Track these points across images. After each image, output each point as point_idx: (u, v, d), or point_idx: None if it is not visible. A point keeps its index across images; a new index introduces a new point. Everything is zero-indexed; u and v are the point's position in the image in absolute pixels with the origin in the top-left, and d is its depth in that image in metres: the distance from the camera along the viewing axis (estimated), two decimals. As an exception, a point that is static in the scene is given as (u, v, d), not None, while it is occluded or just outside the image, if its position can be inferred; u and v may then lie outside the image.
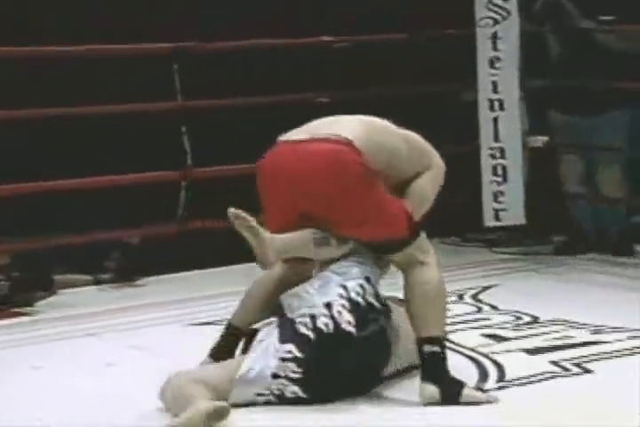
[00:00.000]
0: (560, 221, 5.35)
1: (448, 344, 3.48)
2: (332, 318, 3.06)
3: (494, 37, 5.28)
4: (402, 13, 5.51)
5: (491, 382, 3.40)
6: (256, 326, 3.31)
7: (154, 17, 5.16)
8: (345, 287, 3.13)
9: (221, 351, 3.46)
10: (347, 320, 3.06)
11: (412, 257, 3.21)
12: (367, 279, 3.17)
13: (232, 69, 5.29)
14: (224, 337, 3.49)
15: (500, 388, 3.35)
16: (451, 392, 3.15)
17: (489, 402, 3.18)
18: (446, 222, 5.59)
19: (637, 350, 3.71)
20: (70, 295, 4.80)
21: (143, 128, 5.05)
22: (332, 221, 3.13)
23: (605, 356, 3.67)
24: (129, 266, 5.01)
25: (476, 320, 4.14)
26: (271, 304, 3.27)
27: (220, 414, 2.86)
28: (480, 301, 4.47)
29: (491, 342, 3.84)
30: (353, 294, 3.11)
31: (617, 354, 3.68)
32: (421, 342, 3.15)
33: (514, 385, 3.38)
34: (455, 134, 5.41)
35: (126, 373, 3.64)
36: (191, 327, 4.21)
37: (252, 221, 3.06)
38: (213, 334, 4.03)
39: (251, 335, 3.27)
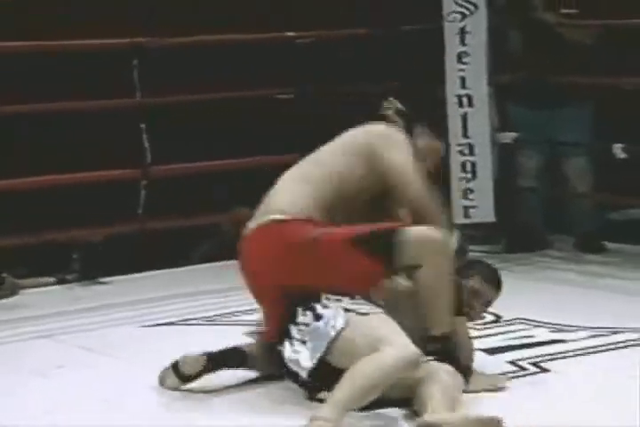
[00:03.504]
0: (512, 217, 5.30)
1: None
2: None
3: (462, 32, 5.21)
4: (364, 9, 5.44)
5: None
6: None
7: (112, 11, 5.07)
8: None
9: None
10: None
11: None
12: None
13: (192, 65, 5.21)
14: None
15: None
16: None
17: None
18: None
19: (596, 349, 3.65)
20: (31, 296, 4.72)
21: (102, 125, 4.98)
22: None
23: (564, 355, 3.60)
24: (93, 265, 4.92)
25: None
26: None
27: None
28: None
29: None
30: None
31: (576, 353, 3.62)
32: None
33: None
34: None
35: (76, 375, 3.57)
36: (148, 329, 4.14)
37: None
38: (168, 335, 3.99)
39: None
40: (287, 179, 3.40)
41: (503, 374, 3.40)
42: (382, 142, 3.37)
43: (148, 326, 4.17)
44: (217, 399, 3.31)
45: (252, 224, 3.38)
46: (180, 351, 3.78)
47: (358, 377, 2.96)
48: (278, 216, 3.30)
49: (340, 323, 3.15)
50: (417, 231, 3.23)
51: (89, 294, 4.74)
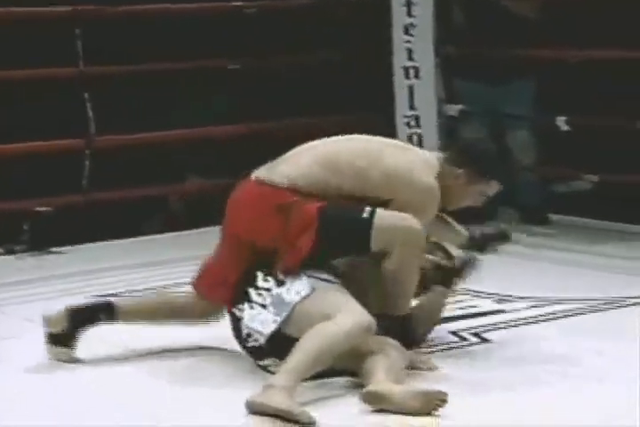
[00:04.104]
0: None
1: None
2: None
3: (409, 4, 5.21)
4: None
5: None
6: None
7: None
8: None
9: None
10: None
11: None
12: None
13: (137, 35, 5.15)
14: None
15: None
16: None
17: None
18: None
19: (536, 320, 3.70)
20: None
21: (45, 95, 4.91)
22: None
23: (505, 325, 3.65)
24: (43, 236, 4.87)
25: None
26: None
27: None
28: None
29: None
30: None
31: (516, 323, 3.67)
32: None
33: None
34: (370, 101, 5.35)
35: (19, 347, 3.55)
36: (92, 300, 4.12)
37: None
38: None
39: None
40: (311, 156, 3.32)
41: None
42: (418, 201, 3.30)
43: (93, 297, 4.14)
44: (160, 368, 3.30)
45: (257, 172, 3.34)
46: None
47: (312, 344, 2.98)
48: (281, 183, 3.27)
49: (306, 290, 3.16)
50: (393, 217, 3.23)
51: (36, 264, 4.70)
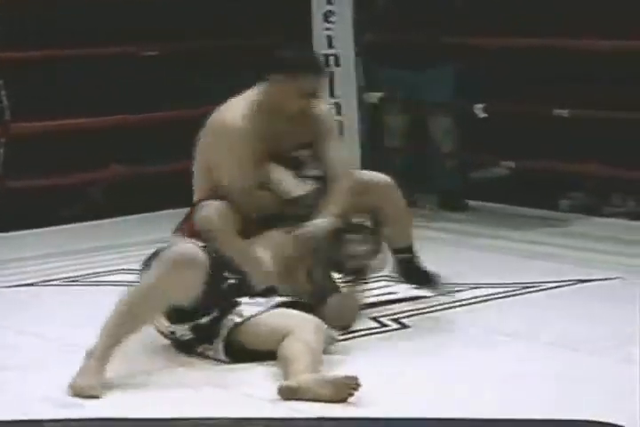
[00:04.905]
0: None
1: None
2: None
3: (328, -10, 5.21)
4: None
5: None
6: None
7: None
8: None
9: None
10: None
11: None
12: None
13: (53, 19, 5.07)
14: None
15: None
16: None
17: None
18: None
19: (454, 305, 3.73)
20: None
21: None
22: None
23: (424, 311, 3.68)
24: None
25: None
26: None
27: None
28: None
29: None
30: None
31: (436, 309, 3.70)
32: None
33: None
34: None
35: None
36: (7, 289, 4.05)
37: None
38: (28, 296, 3.92)
39: None
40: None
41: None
42: (220, 143, 3.45)
43: (8, 286, 4.08)
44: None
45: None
46: (39, 312, 3.73)
47: (118, 304, 3.04)
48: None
49: None
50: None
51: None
